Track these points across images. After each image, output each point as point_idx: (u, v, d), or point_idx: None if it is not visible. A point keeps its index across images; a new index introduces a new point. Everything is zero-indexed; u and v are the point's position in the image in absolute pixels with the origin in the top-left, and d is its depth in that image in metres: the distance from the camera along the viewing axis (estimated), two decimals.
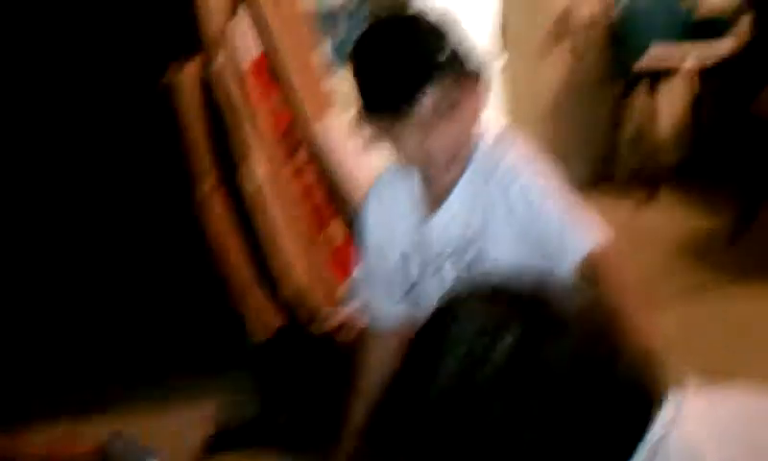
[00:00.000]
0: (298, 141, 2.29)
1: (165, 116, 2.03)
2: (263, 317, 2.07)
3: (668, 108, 3.86)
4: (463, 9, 4.52)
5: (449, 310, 0.73)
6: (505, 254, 1.31)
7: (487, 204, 1.32)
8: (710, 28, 3.72)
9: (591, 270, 1.23)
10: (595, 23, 3.85)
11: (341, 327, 2.00)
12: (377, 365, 1.43)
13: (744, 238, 3.06)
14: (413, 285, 1.41)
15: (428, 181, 1.36)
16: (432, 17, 1.30)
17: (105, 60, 2.13)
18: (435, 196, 1.37)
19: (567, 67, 3.93)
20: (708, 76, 3.63)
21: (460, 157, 1.31)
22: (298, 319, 2.08)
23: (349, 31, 3.68)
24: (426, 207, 1.38)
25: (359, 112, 1.30)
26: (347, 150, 2.36)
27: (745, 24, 3.46)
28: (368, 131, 1.31)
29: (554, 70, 3.91)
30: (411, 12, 1.40)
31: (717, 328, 2.48)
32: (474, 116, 1.30)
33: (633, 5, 3.80)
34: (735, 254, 3.00)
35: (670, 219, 3.42)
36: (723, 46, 3.58)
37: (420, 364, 0.71)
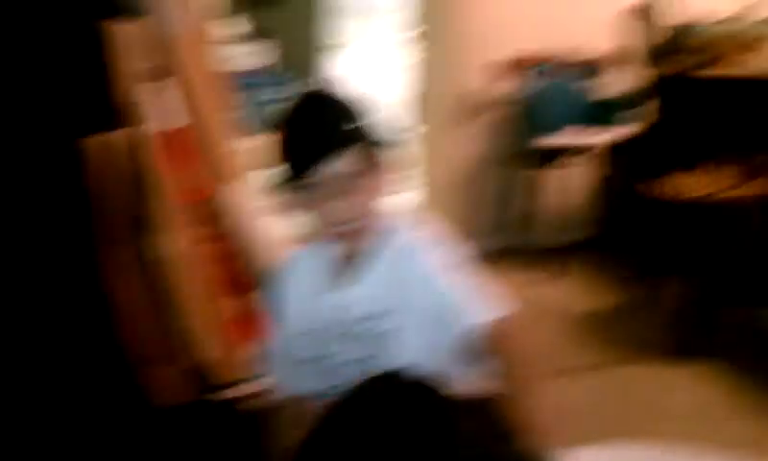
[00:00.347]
0: (214, 209, 2.29)
1: (78, 184, 2.00)
2: (170, 387, 2.03)
3: (575, 185, 4.03)
4: (383, 82, 4.66)
5: (362, 394, 0.76)
6: (413, 329, 1.35)
7: (395, 280, 1.36)
8: (611, 111, 3.93)
9: (490, 344, 1.28)
10: (507, 102, 4.02)
11: (250, 396, 1.98)
12: (288, 434, 1.43)
13: (645, 313, 3.18)
14: (324, 356, 1.43)
15: (341, 253, 1.40)
16: (347, 94, 1.37)
17: (19, 128, 2.09)
18: (348, 269, 1.40)
19: (482, 142, 4.08)
20: (616, 155, 3.82)
21: (369, 229, 1.36)
22: (206, 388, 2.05)
23: (266, 94, 3.73)
24: (340, 280, 1.41)
25: (277, 179, 1.35)
26: (261, 217, 2.37)
27: (649, 108, 3.66)
28: (285, 197, 1.36)
29: (469, 144, 4.05)
30: (330, 88, 1.45)
31: (618, 400, 2.56)
32: (380, 188, 1.36)
33: (539, 88, 3.99)
34: (637, 329, 3.12)
35: (576, 293, 3.54)
36: (625, 130, 3.78)
37: (339, 442, 0.73)
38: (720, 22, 3.65)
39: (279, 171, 1.35)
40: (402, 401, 0.77)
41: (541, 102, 3.99)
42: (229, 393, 2.03)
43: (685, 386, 2.64)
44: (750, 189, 3.00)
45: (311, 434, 0.78)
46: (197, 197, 2.26)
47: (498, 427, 0.78)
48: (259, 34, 4.03)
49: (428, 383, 0.80)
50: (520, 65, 4.00)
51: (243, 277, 2.27)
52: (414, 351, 1.33)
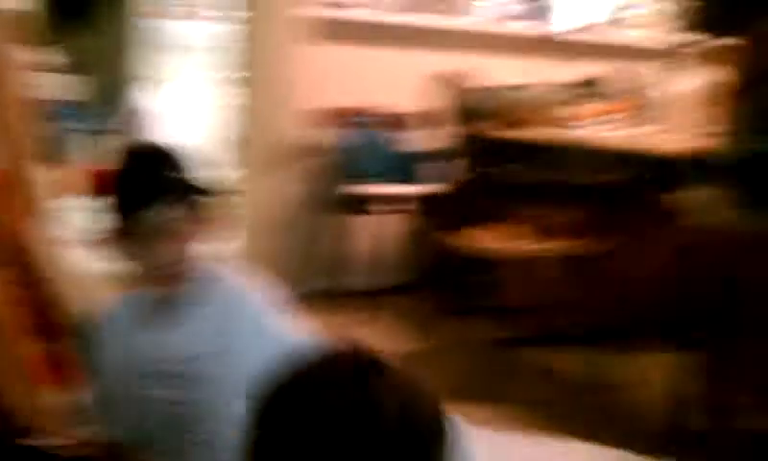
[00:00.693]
0: (21, 246, 2.19)
1: None
2: None
3: (388, 232, 4.20)
4: (200, 121, 4.63)
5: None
6: (235, 372, 1.39)
7: (215, 324, 1.40)
8: (418, 165, 4.15)
9: None
10: (323, 150, 4.14)
11: (62, 443, 1.91)
12: None
13: (454, 356, 3.35)
14: (143, 399, 1.43)
15: (162, 297, 1.42)
16: (171, 144, 1.43)
17: None
18: (168, 312, 1.42)
19: (299, 188, 4.16)
20: (425, 206, 4.02)
21: (190, 274, 1.40)
22: (8, 434, 1.95)
23: (76, 124, 3.61)
24: (160, 323, 1.42)
25: (101, 223, 1.38)
26: (72, 254, 2.30)
27: (455, 165, 3.90)
28: (108, 241, 1.38)
29: (287, 189, 4.12)
30: (155, 137, 1.50)
31: None
32: (200, 234, 1.41)
33: (354, 139, 4.15)
34: (446, 371, 3.26)
35: (388, 335, 3.66)
36: (432, 184, 3.99)
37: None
38: (516, 89, 3.98)
39: (103, 215, 1.37)
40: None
41: (355, 152, 4.14)
42: (36, 440, 1.94)
43: (493, 425, 2.78)
44: (546, 246, 3.27)
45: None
46: (4, 234, 2.16)
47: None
48: (72, 64, 3.89)
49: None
50: (337, 116, 4.14)
51: (52, 319, 2.19)
52: (237, 393, 1.37)
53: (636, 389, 2.99)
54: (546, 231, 3.33)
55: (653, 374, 2.96)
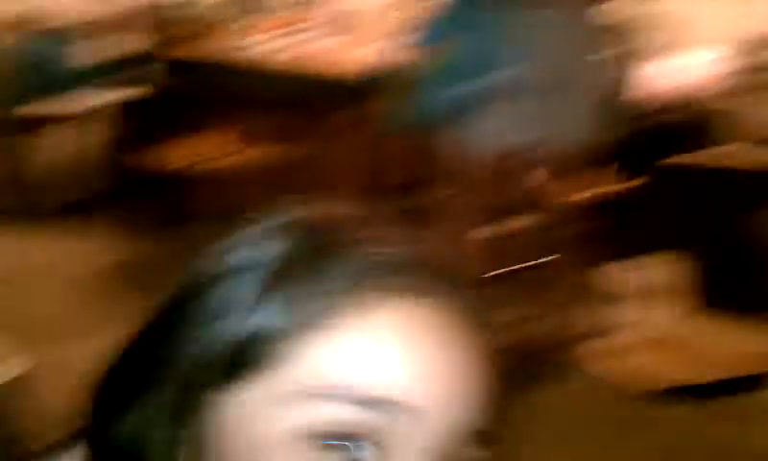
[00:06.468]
0: None
1: None
2: None
3: (83, 144, 4.05)
4: None
5: None
6: None
7: None
8: (97, 76, 4.04)
9: None
10: None
11: None
12: None
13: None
14: None
15: None
16: None
17: None
18: None
19: None
20: (128, 117, 3.95)
21: None
22: None
23: None
24: None
25: None
26: None
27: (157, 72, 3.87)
28: None
29: None
30: None
31: None
32: None
33: (22, 52, 3.87)
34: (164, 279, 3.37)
35: (102, 246, 3.58)
36: (120, 94, 3.94)
37: None
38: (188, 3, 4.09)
39: None
40: None
41: (25, 67, 3.92)
42: None
43: None
44: (248, 155, 3.49)
45: None
46: None
47: None
48: None
49: None
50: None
51: None
52: None
53: None
54: (244, 140, 3.53)
55: None
